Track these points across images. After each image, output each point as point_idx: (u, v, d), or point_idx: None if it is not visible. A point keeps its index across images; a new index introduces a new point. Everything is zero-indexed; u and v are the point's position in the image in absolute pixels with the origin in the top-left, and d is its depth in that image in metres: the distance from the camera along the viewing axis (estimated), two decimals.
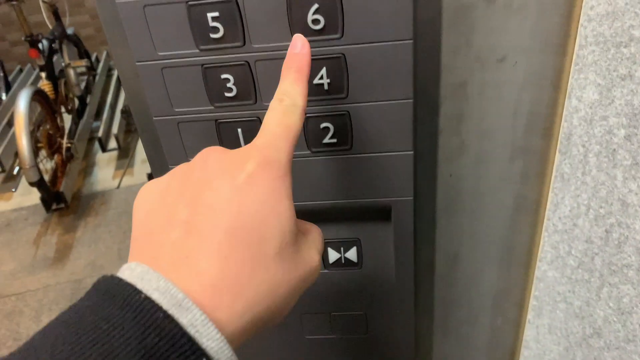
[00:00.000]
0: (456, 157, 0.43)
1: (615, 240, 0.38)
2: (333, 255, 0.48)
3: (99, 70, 3.70)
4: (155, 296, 0.23)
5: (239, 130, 0.41)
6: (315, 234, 0.33)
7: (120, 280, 0.24)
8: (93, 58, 3.81)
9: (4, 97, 3.45)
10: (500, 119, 0.41)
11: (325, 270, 0.49)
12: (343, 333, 0.52)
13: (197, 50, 0.37)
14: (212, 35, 0.36)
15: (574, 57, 0.39)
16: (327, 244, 0.47)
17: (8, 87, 3.55)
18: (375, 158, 0.41)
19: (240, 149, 0.30)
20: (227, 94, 0.39)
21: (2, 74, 3.51)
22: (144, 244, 0.27)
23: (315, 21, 0.36)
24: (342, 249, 0.48)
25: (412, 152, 0.41)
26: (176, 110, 0.40)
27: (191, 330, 0.23)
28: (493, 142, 0.42)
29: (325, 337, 0.53)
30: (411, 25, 0.35)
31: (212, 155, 0.29)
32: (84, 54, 3.40)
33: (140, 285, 0.23)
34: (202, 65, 0.38)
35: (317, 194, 0.43)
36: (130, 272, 0.24)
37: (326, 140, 0.41)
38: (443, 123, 0.41)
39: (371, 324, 0.51)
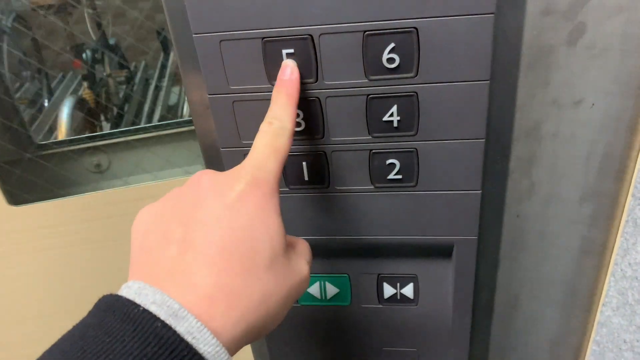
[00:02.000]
0: (525, 198, 0.41)
1: None
2: (389, 291, 0.47)
3: (137, 80, 3.79)
4: (153, 308, 0.25)
5: (304, 163, 0.40)
6: (303, 246, 0.35)
7: (119, 297, 0.26)
8: (131, 67, 3.91)
9: (46, 104, 3.55)
10: (573, 161, 0.40)
11: (380, 306, 0.48)
12: None
13: (270, 85, 0.37)
14: (296, 129, 0.37)
15: None
16: (383, 279, 0.47)
17: (50, 94, 3.67)
18: (441, 196, 0.40)
19: (230, 170, 0.32)
20: (295, 129, 0.39)
21: (45, 82, 3.63)
22: (142, 262, 0.29)
23: (390, 60, 0.35)
24: (398, 284, 0.47)
25: (479, 192, 0.40)
26: (244, 142, 0.40)
27: (188, 337, 0.24)
28: (563, 184, 0.41)
29: None
30: (489, 66, 0.35)
31: (204, 177, 0.31)
32: (124, 64, 3.49)
33: (138, 300, 0.25)
34: None
35: (377, 228, 0.43)
36: (128, 290, 0.26)
37: (391, 176, 0.40)
38: (514, 164, 0.40)
39: None
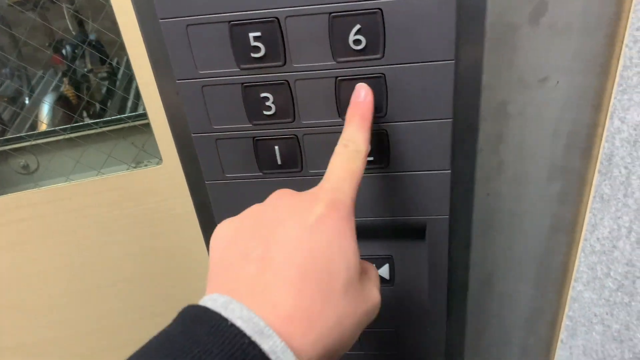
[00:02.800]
0: (494, 176, 0.42)
1: None
2: None
3: (119, 75, 3.75)
4: (239, 323, 0.25)
5: (276, 147, 0.41)
6: (373, 272, 0.35)
7: (207, 308, 0.26)
8: (114, 63, 3.87)
9: (27, 101, 3.51)
10: (540, 138, 0.41)
11: None
12: (373, 350, 0.51)
13: (238, 69, 0.37)
14: (253, 55, 0.37)
15: (617, 78, 0.38)
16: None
17: (31, 91, 3.62)
18: (412, 176, 0.41)
19: (308, 191, 0.32)
20: (265, 112, 0.39)
21: (25, 79, 3.58)
22: (222, 277, 0.29)
23: (357, 41, 0.36)
24: (374, 265, 0.47)
25: (449, 171, 0.40)
26: (214, 127, 0.40)
27: (272, 356, 0.24)
28: (532, 162, 0.42)
29: (355, 354, 0.52)
30: (453, 46, 0.35)
31: (284, 198, 0.32)
32: (105, 59, 3.45)
33: (224, 313, 0.25)
34: (242, 83, 0.38)
35: None
36: (214, 302, 0.26)
37: None
38: (482, 142, 0.40)
39: (402, 342, 0.51)
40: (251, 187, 0.43)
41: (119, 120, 0.63)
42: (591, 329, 0.47)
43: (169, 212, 0.53)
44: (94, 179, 0.51)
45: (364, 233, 0.46)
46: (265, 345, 0.25)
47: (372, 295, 0.32)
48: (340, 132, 0.40)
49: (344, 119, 0.39)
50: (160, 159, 0.49)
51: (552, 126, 0.40)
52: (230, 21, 0.36)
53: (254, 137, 0.40)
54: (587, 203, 0.44)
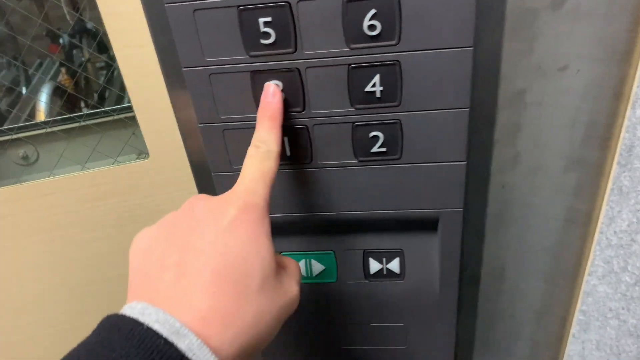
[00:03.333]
0: (510, 168, 0.41)
1: None
2: (375, 266, 0.47)
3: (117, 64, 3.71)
4: (156, 327, 0.26)
5: (285, 138, 0.39)
6: (293, 267, 0.36)
7: (124, 316, 0.27)
8: (111, 52, 3.82)
9: (24, 91, 3.47)
10: (558, 129, 0.39)
11: (366, 281, 0.47)
12: (382, 345, 0.50)
13: (247, 56, 0.36)
14: (263, 41, 0.35)
15: None
16: (369, 254, 0.46)
17: (28, 81, 3.58)
18: (426, 168, 0.40)
19: (222, 195, 0.33)
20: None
21: (22, 69, 3.54)
22: (141, 285, 0.30)
23: (372, 27, 0.34)
24: (384, 259, 0.46)
25: (464, 163, 0.39)
26: (222, 117, 0.39)
27: (189, 354, 0.26)
28: (548, 153, 0.40)
29: (363, 348, 0.51)
30: (472, 32, 0.34)
31: (198, 203, 0.33)
32: (103, 48, 3.41)
33: (142, 319, 0.26)
34: (251, 71, 0.36)
35: (362, 203, 0.42)
36: (131, 310, 0.27)
37: (375, 149, 0.39)
38: (499, 133, 0.39)
39: (410, 337, 0.50)
40: None
41: (107, 113, 0.62)
42: (605, 324, 0.46)
43: (155, 207, 0.51)
44: (78, 174, 0.50)
45: (374, 226, 0.45)
46: (182, 344, 0.26)
47: (290, 290, 0.33)
48: (351, 123, 0.38)
49: (355, 108, 0.38)
50: (147, 154, 0.48)
51: (571, 116, 0.39)
52: (239, 6, 0.34)
53: None
54: (604, 195, 0.43)
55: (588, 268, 0.47)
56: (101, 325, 0.28)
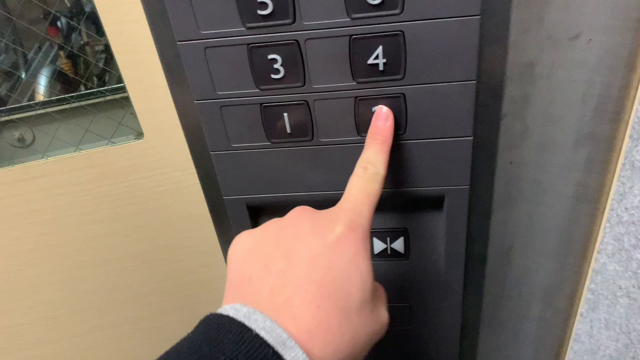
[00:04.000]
0: (518, 143, 0.40)
1: None
2: (379, 246, 0.46)
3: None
4: (263, 334, 0.26)
5: (285, 115, 0.38)
6: (382, 292, 0.35)
7: (230, 318, 0.27)
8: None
9: (23, 75, 3.45)
10: (568, 102, 0.38)
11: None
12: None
13: (244, 29, 0.34)
14: (260, 12, 0.34)
15: None
16: (372, 234, 0.45)
17: (27, 65, 3.56)
18: (431, 144, 0.38)
19: (327, 210, 0.33)
20: (273, 76, 0.36)
21: (21, 52, 3.51)
22: (242, 287, 0.30)
23: None
24: (388, 239, 0.45)
25: (471, 138, 0.38)
26: (219, 93, 0.37)
27: None
28: (558, 127, 0.39)
29: None
30: (479, 0, 0.32)
31: (304, 215, 0.33)
32: (101, 30, 3.38)
33: (248, 323, 0.26)
34: (248, 44, 0.35)
35: None
36: (236, 312, 0.27)
37: None
38: (507, 106, 0.38)
39: (415, 316, 0.49)
40: (259, 157, 0.40)
41: (101, 94, 0.60)
42: (615, 302, 0.45)
43: (151, 189, 0.50)
44: (72, 155, 0.49)
45: (379, 205, 0.44)
46: (288, 356, 0.25)
47: (383, 314, 0.33)
48: (353, 98, 0.37)
49: (358, 82, 0.36)
50: (142, 134, 0.47)
51: (582, 88, 0.37)
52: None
53: (261, 104, 0.37)
54: (615, 171, 0.41)
55: (597, 246, 0.45)
56: (206, 323, 0.28)
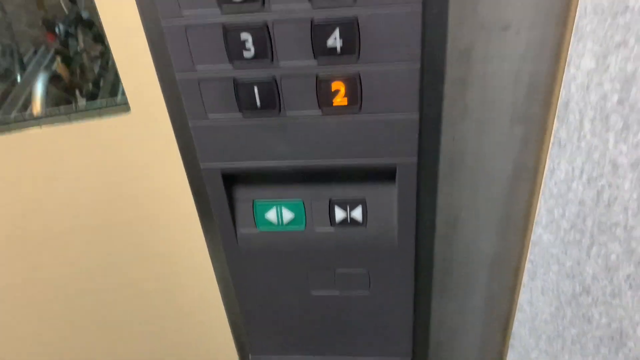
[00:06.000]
0: (459, 121, 0.45)
1: (605, 200, 0.41)
2: (340, 214, 0.51)
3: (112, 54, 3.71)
4: None
5: (256, 89, 0.43)
6: None
7: None
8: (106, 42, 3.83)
9: (19, 79, 3.48)
10: (502, 86, 0.44)
11: (332, 229, 0.52)
12: (346, 290, 0.55)
13: (219, 11, 0.40)
14: (245, 54, 0.39)
15: (574, 27, 0.41)
16: (334, 203, 0.50)
17: (23, 69, 3.58)
18: (383, 119, 0.44)
19: None
20: (245, 55, 0.41)
21: (17, 56, 3.54)
22: None
23: None
24: (348, 207, 0.50)
25: (417, 115, 0.43)
26: (197, 68, 0.43)
27: None
28: (494, 108, 0.45)
29: (329, 295, 0.56)
30: None
31: None
32: (98, 37, 3.42)
33: None
34: (223, 24, 0.40)
35: (327, 152, 0.46)
36: None
37: (337, 101, 0.43)
38: (448, 88, 0.43)
39: (373, 282, 0.54)
40: (232, 128, 0.45)
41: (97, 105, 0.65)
42: (548, 270, 0.50)
43: (137, 161, 0.55)
44: (61, 125, 0.53)
45: (339, 176, 0.49)
46: None
47: None
48: (315, 75, 0.42)
49: (319, 63, 0.42)
50: (128, 107, 0.52)
51: (514, 73, 0.43)
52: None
53: (234, 78, 0.43)
54: (547, 149, 0.47)
55: (535, 218, 0.51)
56: None
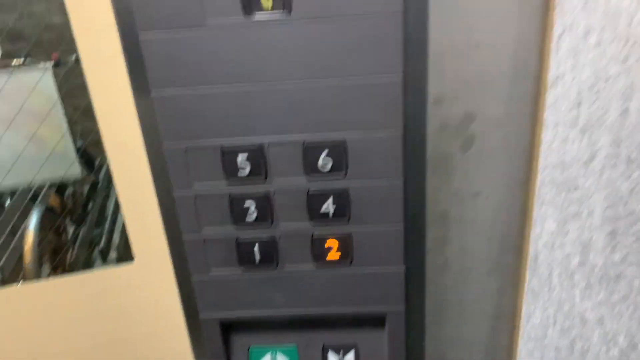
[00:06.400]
0: (441, 272, 0.50)
1: (578, 350, 0.44)
2: (333, 359, 0.53)
3: (100, 177, 3.73)
4: None
5: (256, 248, 0.48)
6: None
7: None
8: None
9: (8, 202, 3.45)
10: (478, 241, 0.49)
11: None
12: None
13: (225, 183, 0.45)
14: (240, 174, 0.45)
15: (536, 194, 0.47)
16: (327, 348, 0.53)
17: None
18: (372, 272, 0.48)
19: None
20: (248, 220, 0.46)
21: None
22: None
23: (324, 166, 0.44)
24: (341, 352, 0.53)
25: (403, 268, 0.48)
26: (203, 229, 0.47)
27: None
28: (472, 260, 0.49)
29: None
30: (402, 170, 0.44)
31: None
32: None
33: None
34: (229, 194, 0.46)
35: (320, 301, 0.50)
36: None
37: (330, 256, 0.48)
38: (429, 244, 0.48)
39: None
40: (232, 281, 0.49)
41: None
42: None
43: (141, 310, 0.57)
44: (68, 277, 0.56)
45: (332, 323, 0.52)
46: None
47: None
48: (310, 234, 0.47)
49: (314, 223, 0.46)
50: (132, 258, 0.55)
51: (487, 231, 0.49)
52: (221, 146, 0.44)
53: (237, 238, 0.47)
54: (523, 295, 0.51)
55: (517, 357, 0.54)
56: None
